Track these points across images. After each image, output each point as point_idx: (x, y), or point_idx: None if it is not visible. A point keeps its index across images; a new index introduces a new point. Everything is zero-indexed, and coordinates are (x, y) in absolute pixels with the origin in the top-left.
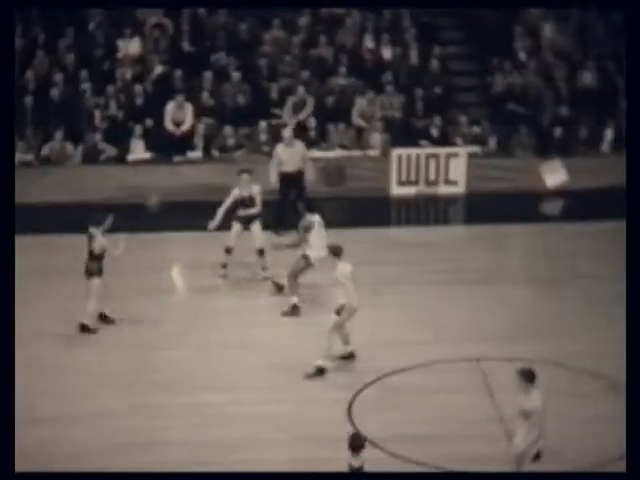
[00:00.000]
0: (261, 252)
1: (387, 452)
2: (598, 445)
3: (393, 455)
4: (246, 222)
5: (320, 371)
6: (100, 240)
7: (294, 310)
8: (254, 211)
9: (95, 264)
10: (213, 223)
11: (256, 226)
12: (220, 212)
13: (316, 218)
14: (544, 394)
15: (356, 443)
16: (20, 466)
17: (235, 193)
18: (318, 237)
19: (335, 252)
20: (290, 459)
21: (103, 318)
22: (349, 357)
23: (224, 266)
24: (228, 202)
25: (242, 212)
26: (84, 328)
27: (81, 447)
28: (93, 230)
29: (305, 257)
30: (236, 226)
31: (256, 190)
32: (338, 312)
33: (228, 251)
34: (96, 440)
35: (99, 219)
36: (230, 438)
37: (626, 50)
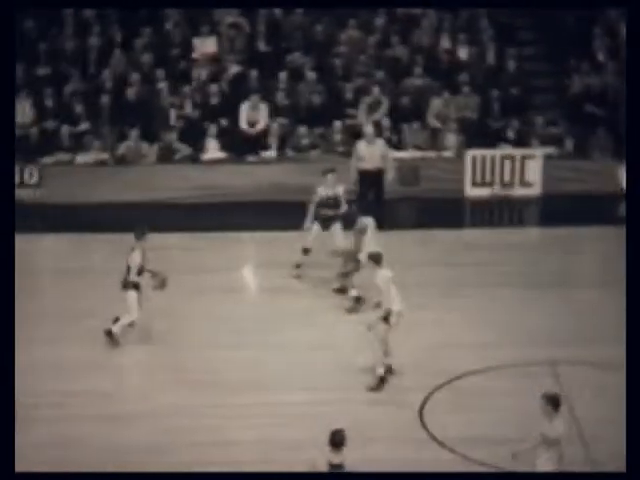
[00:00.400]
0: (341, 252)
1: (458, 454)
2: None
3: (464, 457)
4: (327, 222)
5: (382, 380)
6: (136, 256)
7: (358, 302)
8: (337, 212)
9: (131, 277)
10: (308, 222)
11: (337, 226)
12: (311, 210)
13: (370, 221)
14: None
15: (337, 439)
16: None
17: (320, 192)
18: (371, 241)
19: (375, 259)
20: (361, 460)
21: (108, 334)
22: (389, 371)
23: (298, 266)
24: (316, 201)
25: (325, 212)
26: (109, 334)
27: (150, 445)
28: (134, 244)
29: (357, 261)
30: (316, 227)
31: (340, 190)
32: (385, 318)
33: (305, 251)
34: (166, 438)
35: (140, 233)
36: (300, 438)
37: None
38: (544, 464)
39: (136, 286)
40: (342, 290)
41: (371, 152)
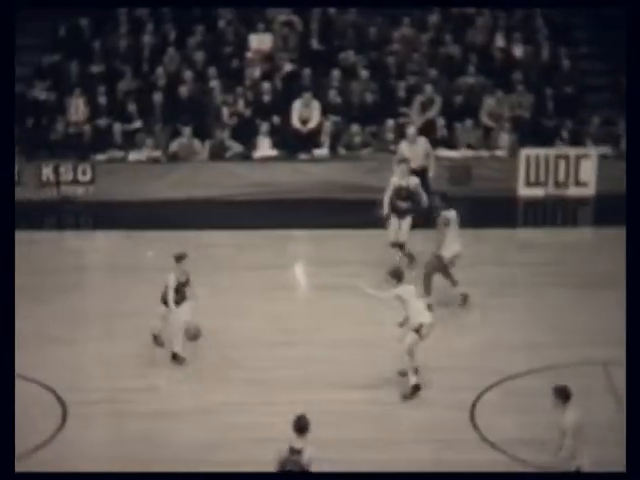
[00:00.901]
0: (401, 246)
1: (509, 455)
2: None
3: (514, 458)
4: (402, 214)
5: (416, 388)
6: (172, 279)
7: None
8: (410, 204)
9: (169, 298)
10: (385, 210)
11: (406, 220)
12: (386, 201)
13: (453, 215)
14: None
15: (300, 424)
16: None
17: (394, 181)
18: (453, 235)
19: (397, 276)
20: (409, 459)
21: (175, 357)
22: (417, 389)
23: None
24: (389, 191)
25: (399, 204)
26: (175, 357)
27: (202, 442)
28: (173, 265)
29: (438, 257)
30: (394, 220)
31: (414, 181)
32: (417, 330)
33: (394, 245)
34: (217, 435)
35: (179, 257)
36: (352, 437)
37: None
38: (562, 454)
39: (177, 301)
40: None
41: (414, 151)
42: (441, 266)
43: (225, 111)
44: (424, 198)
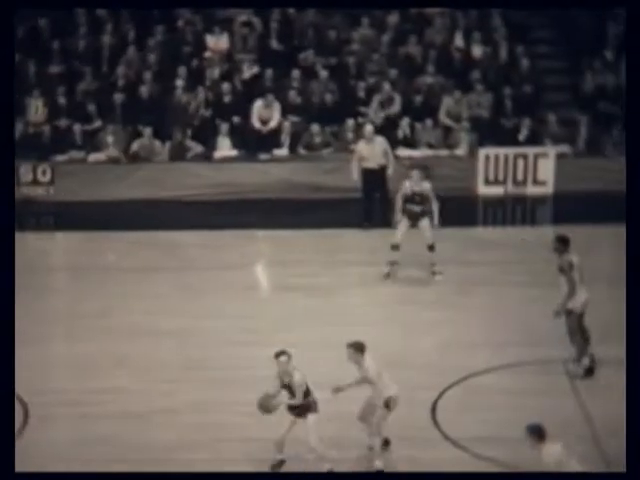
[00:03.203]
0: (431, 248)
1: (470, 452)
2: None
3: (476, 456)
4: (415, 218)
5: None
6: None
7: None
8: (424, 208)
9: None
10: (397, 215)
11: (425, 222)
12: (398, 204)
13: (575, 258)
14: None
15: None
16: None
17: (406, 187)
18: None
19: (360, 349)
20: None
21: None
22: (387, 444)
23: (392, 264)
24: (402, 195)
25: (411, 207)
26: None
27: (170, 442)
28: None
29: (569, 312)
30: (403, 222)
31: (427, 187)
32: (386, 404)
33: (394, 247)
34: (186, 435)
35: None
36: (323, 436)
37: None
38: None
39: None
40: None
41: (371, 150)
42: (579, 322)
43: (185, 112)
44: (435, 202)
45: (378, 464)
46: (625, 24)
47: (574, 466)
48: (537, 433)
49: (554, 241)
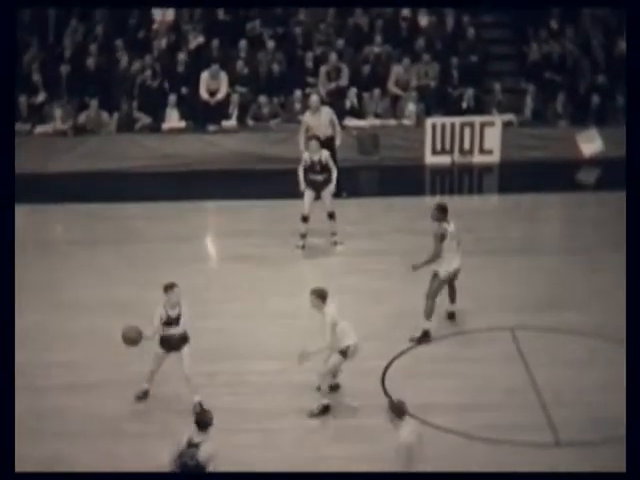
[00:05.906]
0: (331, 216)
1: (420, 420)
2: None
3: (426, 423)
4: (318, 188)
5: (326, 409)
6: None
7: (424, 337)
8: (324, 177)
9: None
10: (302, 185)
11: (327, 191)
12: (300, 175)
13: (450, 227)
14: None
15: (204, 420)
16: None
17: (305, 157)
18: (449, 248)
19: (322, 296)
20: (322, 424)
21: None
22: (336, 388)
23: (303, 236)
24: (302, 166)
25: (314, 177)
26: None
27: (124, 413)
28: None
29: (435, 275)
30: (308, 193)
31: (325, 155)
32: (343, 352)
33: (305, 219)
34: (138, 406)
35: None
36: (273, 406)
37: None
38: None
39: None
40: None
41: (318, 121)
42: (440, 284)
43: (132, 83)
44: (335, 170)
45: (324, 401)
46: (625, 24)
47: (425, 451)
48: (397, 409)
49: (433, 209)
